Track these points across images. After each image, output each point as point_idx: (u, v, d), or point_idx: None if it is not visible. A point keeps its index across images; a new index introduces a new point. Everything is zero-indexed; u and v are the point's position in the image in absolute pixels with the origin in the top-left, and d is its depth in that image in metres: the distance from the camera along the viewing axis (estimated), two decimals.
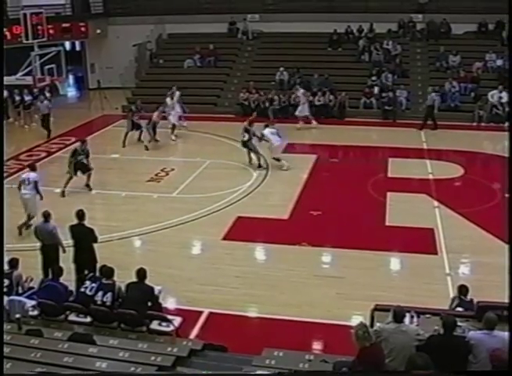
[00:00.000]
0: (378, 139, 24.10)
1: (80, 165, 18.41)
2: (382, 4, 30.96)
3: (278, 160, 20.17)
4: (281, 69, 29.64)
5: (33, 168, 16.08)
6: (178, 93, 25.06)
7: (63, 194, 18.17)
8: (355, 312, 11.46)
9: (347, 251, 14.20)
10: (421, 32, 31.33)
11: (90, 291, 10.19)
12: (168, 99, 24.60)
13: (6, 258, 11.29)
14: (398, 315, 8.22)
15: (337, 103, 27.59)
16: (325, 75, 28.87)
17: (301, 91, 26.16)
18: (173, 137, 23.87)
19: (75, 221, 12.35)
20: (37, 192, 15.50)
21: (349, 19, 31.28)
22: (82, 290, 10.31)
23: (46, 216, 12.55)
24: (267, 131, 20.10)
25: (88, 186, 18.64)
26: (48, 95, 28.25)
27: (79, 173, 18.48)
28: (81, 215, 12.37)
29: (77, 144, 18.95)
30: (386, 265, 13.78)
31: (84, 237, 12.23)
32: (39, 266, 12.17)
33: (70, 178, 18.33)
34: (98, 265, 11.46)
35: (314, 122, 25.66)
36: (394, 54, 30.19)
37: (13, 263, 10.98)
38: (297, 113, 25.80)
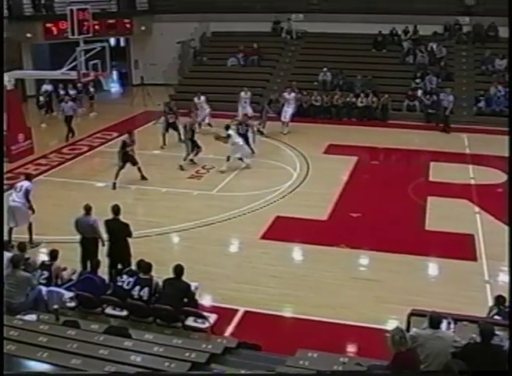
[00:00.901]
0: (420, 143, 23.82)
1: (128, 157, 18.63)
2: (428, 6, 30.57)
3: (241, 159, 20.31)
4: (324, 69, 29.51)
5: (28, 178, 15.39)
6: (203, 97, 25.31)
7: (114, 186, 18.44)
8: (390, 316, 11.36)
9: (385, 255, 14.08)
10: (467, 35, 30.90)
11: (127, 285, 10.28)
12: (196, 99, 25.05)
13: (45, 250, 11.45)
14: (435, 321, 8.12)
15: (380, 105, 27.40)
16: (368, 77, 28.68)
17: (293, 94, 25.87)
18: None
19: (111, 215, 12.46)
20: (28, 201, 14.58)
21: (394, 20, 30.97)
22: (119, 284, 10.42)
23: (87, 209, 12.62)
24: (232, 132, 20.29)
25: (143, 177, 19.00)
26: (91, 90, 28.71)
27: (128, 164, 18.73)
28: (116, 209, 12.46)
29: (125, 136, 19.20)
30: (424, 270, 13.63)
31: (118, 232, 12.31)
32: (77, 259, 12.31)
33: (120, 169, 18.56)
34: (133, 260, 11.54)
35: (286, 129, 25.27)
36: (439, 57, 29.82)
37: (53, 255, 11.14)
38: (283, 118, 25.35)
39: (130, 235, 12.38)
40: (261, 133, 24.20)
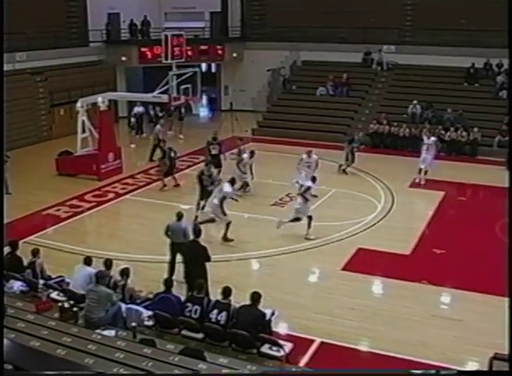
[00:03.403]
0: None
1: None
2: None
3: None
4: (414, 102, 29.20)
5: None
6: (315, 156, 21.21)
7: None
8: (471, 358, 11.05)
9: (468, 294, 13.67)
10: None
11: (195, 313, 10.25)
12: (305, 156, 21.09)
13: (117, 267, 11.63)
14: None
15: (470, 140, 26.83)
16: (459, 111, 28.18)
17: (433, 139, 23.09)
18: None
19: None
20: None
21: (488, 54, 30.40)
22: (187, 314, 10.31)
23: (180, 216, 13.59)
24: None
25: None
26: (183, 111, 29.37)
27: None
28: (197, 231, 12.58)
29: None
30: (508, 312, 13.13)
31: (196, 255, 12.42)
32: (156, 278, 12.39)
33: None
34: (208, 285, 11.55)
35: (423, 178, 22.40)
36: None
37: (124, 273, 11.34)
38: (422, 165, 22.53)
39: (209, 259, 12.44)
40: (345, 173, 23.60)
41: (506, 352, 8.95)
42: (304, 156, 20.97)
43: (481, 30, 30.01)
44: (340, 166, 23.56)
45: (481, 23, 30.02)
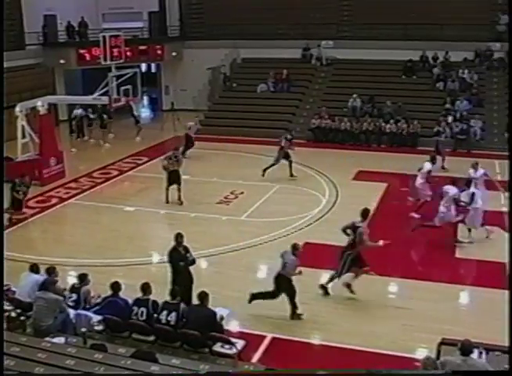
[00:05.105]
0: (451, 169, 23.59)
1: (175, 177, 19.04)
2: (459, 32, 30.53)
3: None
4: (354, 96, 29.55)
5: None
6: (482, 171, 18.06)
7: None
8: (420, 344, 11.23)
9: (414, 282, 13.92)
10: (499, 61, 30.75)
11: (141, 316, 10.23)
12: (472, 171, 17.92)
13: (75, 273, 11.50)
14: (466, 348, 7.97)
15: (410, 132, 27.31)
16: (398, 103, 28.63)
17: (481, 171, 17.99)
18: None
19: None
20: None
21: (424, 46, 31.04)
22: (134, 318, 10.29)
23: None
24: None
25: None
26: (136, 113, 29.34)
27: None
28: (176, 238, 12.44)
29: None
30: (455, 299, 13.44)
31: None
32: (106, 282, 12.27)
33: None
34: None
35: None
36: (469, 83, 29.70)
37: (83, 278, 11.17)
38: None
39: (191, 263, 12.36)
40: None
41: (453, 337, 9.18)
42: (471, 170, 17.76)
43: (416, 23, 30.63)
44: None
45: (419, 17, 30.65)
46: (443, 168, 23.09)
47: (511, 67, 22.24)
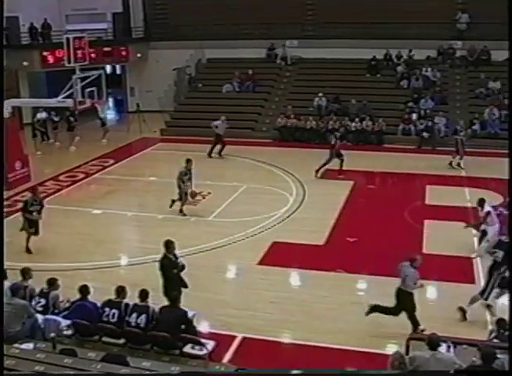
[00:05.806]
0: (416, 166, 23.88)
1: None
2: (421, 31, 30.85)
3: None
4: (319, 94, 29.70)
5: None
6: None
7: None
8: (390, 340, 11.33)
9: (383, 279, 13.99)
10: (461, 59, 31.17)
11: (113, 317, 10.21)
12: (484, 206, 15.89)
13: (43, 278, 11.39)
14: (434, 342, 8.11)
15: (375, 130, 27.55)
16: (363, 101, 28.86)
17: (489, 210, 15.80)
18: None
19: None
20: None
21: (388, 45, 31.28)
22: (105, 319, 10.26)
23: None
24: None
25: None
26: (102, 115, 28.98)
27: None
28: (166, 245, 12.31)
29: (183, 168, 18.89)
30: (422, 294, 13.55)
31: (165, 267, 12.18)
32: (75, 286, 12.19)
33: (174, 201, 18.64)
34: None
35: None
36: (433, 80, 30.06)
37: (51, 283, 11.07)
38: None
39: (180, 270, 12.23)
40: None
41: (424, 331, 9.29)
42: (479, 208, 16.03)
43: (380, 22, 30.84)
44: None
45: (382, 15, 30.87)
46: (459, 165, 23.41)
47: (511, 67, 22.56)
